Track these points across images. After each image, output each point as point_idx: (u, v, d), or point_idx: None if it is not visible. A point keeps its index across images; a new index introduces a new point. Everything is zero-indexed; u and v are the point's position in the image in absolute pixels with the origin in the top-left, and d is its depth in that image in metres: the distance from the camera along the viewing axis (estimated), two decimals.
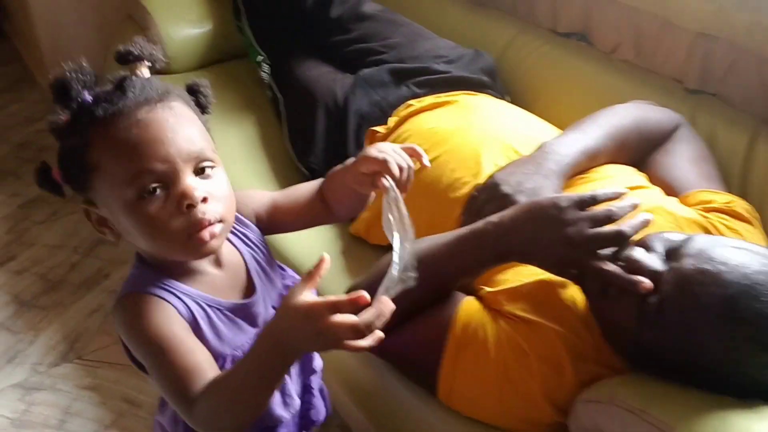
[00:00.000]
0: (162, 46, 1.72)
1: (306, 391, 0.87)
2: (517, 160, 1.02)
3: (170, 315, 0.70)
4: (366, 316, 0.61)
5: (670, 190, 1.03)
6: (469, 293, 0.96)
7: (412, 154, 0.76)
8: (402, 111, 1.27)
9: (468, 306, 0.94)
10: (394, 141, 1.21)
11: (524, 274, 0.93)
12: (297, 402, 0.82)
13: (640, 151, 1.08)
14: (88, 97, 0.69)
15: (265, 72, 1.64)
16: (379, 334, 0.62)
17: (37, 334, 1.65)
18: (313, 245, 1.25)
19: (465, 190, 1.06)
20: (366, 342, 0.61)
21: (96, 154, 0.68)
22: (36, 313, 1.71)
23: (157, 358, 0.68)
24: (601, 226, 0.82)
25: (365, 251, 1.22)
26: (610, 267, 0.80)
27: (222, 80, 1.75)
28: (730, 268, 0.73)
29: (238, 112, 1.64)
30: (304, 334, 0.61)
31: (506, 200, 0.95)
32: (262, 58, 1.64)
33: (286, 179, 1.41)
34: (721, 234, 0.93)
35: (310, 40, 1.53)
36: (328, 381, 0.96)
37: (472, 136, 1.11)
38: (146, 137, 0.67)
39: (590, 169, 1.03)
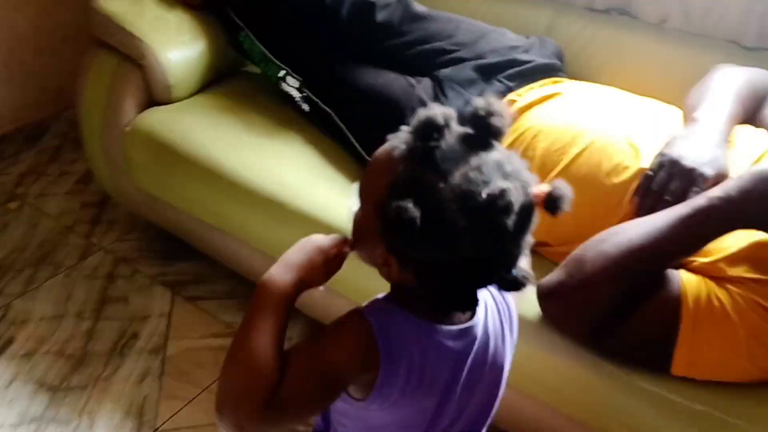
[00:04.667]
0: (164, 74, 1.57)
1: None
2: (680, 136, 1.08)
3: None
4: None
5: None
6: (676, 268, 1.02)
7: None
8: None
9: (690, 280, 1.00)
10: (518, 141, 1.22)
11: (729, 242, 1.01)
12: None
13: (752, 110, 1.19)
14: None
15: (293, 86, 1.55)
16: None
17: (92, 417, 1.46)
18: None
19: (628, 173, 1.11)
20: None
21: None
22: (76, 396, 1.50)
23: None
24: None
25: None
26: None
27: (238, 101, 1.63)
28: None
29: (279, 132, 1.54)
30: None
31: (692, 173, 1.02)
32: (285, 72, 1.55)
33: None
34: None
35: (352, 48, 1.47)
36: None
37: (611, 123, 1.16)
38: None
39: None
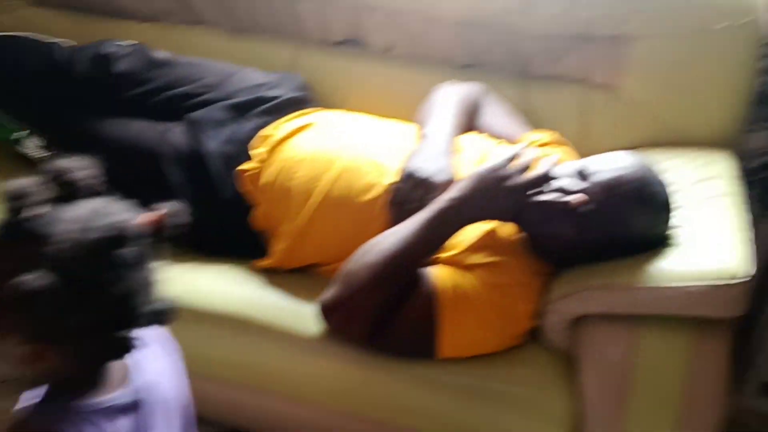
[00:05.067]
0: None
1: None
2: (415, 151, 1.23)
3: None
4: None
5: (504, 141, 1.36)
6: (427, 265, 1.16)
7: None
8: (261, 143, 1.34)
9: (440, 274, 1.14)
10: (280, 173, 1.30)
11: (465, 234, 1.17)
12: None
13: (471, 119, 1.38)
14: None
15: (34, 146, 1.49)
16: None
17: None
18: (227, 291, 1.26)
19: (377, 189, 1.24)
20: None
21: None
22: None
23: None
24: (526, 172, 1.11)
25: (285, 277, 1.29)
26: (550, 196, 1.09)
27: None
28: (629, 168, 1.11)
29: None
30: None
31: (428, 182, 1.17)
32: (25, 134, 1.48)
33: None
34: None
35: (97, 103, 1.43)
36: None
37: (359, 148, 1.28)
38: None
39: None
